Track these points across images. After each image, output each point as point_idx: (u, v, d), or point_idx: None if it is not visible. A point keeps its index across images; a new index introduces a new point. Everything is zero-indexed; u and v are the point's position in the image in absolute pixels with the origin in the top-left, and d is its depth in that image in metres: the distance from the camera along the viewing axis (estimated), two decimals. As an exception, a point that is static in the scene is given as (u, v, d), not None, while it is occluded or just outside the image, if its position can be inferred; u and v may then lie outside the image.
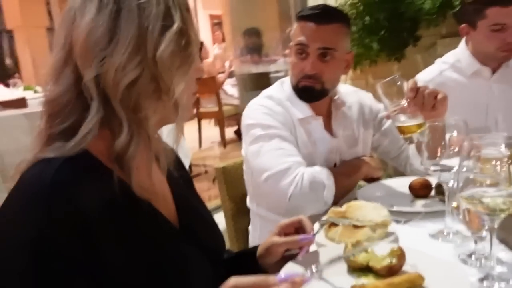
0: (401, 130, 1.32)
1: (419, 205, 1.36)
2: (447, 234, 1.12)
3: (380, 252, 0.97)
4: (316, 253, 1.02)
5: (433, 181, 1.43)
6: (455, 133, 1.10)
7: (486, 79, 1.86)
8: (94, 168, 0.77)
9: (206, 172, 4.90)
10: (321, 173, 1.44)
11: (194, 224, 0.92)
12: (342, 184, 1.44)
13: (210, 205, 3.54)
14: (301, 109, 1.53)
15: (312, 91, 1.51)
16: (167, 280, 0.79)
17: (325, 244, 1.10)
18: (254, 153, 1.46)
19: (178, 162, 1.03)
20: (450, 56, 1.95)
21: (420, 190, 1.40)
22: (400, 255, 0.91)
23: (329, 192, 1.41)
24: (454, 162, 1.12)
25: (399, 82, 1.29)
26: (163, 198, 0.90)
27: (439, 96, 1.29)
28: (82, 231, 0.70)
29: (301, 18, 1.51)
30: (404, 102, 1.29)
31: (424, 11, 3.00)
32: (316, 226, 1.11)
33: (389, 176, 3.28)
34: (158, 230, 0.83)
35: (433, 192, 1.39)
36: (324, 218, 1.18)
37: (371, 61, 3.29)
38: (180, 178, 0.99)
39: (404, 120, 1.31)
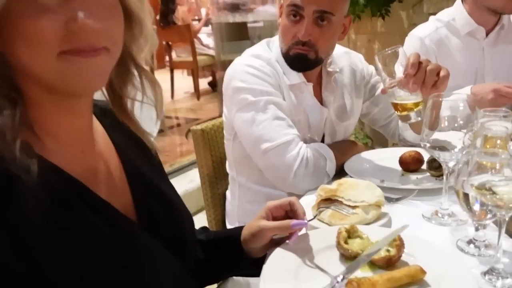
0: (397, 107, 1.22)
1: (411, 180, 1.29)
2: (442, 216, 1.05)
3: (374, 237, 0.90)
4: (306, 237, 0.94)
5: (425, 154, 1.37)
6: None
7: (480, 41, 1.82)
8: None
9: (178, 125, 4.76)
10: (321, 147, 1.36)
11: (155, 211, 0.78)
12: (338, 159, 1.36)
13: (182, 161, 3.44)
14: (292, 75, 1.40)
15: (305, 60, 1.37)
16: (124, 280, 0.67)
17: (315, 225, 1.02)
18: (247, 121, 1.34)
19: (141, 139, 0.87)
20: (444, 15, 1.88)
21: (411, 164, 1.33)
22: (399, 245, 0.84)
23: (331, 164, 1.34)
24: (450, 135, 1.06)
25: (401, 54, 1.18)
26: (113, 185, 0.75)
27: (442, 74, 1.19)
28: (14, 243, 0.57)
29: None
30: (401, 76, 1.19)
31: (412, -34, 2.86)
32: (309, 212, 1.02)
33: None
34: (109, 226, 0.68)
35: (424, 166, 1.32)
36: (315, 194, 1.10)
37: (355, 16, 3.16)
38: (142, 156, 0.84)
39: (401, 97, 1.21)
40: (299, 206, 0.92)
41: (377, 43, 3.52)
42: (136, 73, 0.74)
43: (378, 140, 3.38)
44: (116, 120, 0.78)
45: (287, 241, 0.89)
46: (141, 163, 0.82)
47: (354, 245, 0.88)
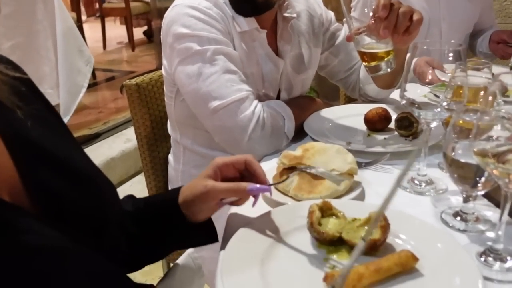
0: (365, 56, 1.06)
1: (379, 141, 1.15)
2: (419, 183, 0.93)
3: (350, 213, 0.76)
4: (268, 216, 0.78)
5: (391, 111, 1.24)
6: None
7: None
8: None
9: (112, 78, 4.37)
10: (278, 105, 1.18)
11: (54, 188, 0.59)
12: (297, 118, 1.19)
13: (118, 118, 3.16)
14: (243, 20, 1.18)
15: (253, 1, 1.15)
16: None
17: (277, 199, 0.86)
18: (192, 75, 1.12)
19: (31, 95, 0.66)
20: None
21: (378, 123, 1.19)
22: (384, 226, 0.69)
23: (290, 124, 1.17)
24: (419, 88, 0.93)
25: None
26: None
27: (415, 17, 1.03)
28: None
29: None
30: (370, 20, 1.02)
31: None
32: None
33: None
34: None
35: (392, 125, 1.19)
36: (276, 161, 0.94)
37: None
38: (35, 117, 0.62)
39: (369, 45, 1.05)
40: (256, 165, 0.75)
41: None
42: None
43: (325, 94, 3.26)
44: None
45: (251, 206, 0.74)
46: (32, 128, 0.60)
47: (329, 225, 0.73)
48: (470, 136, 0.66)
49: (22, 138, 0.59)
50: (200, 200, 0.75)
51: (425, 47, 0.87)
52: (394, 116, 1.19)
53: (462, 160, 0.73)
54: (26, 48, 2.42)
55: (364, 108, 1.24)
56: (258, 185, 0.72)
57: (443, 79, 1.41)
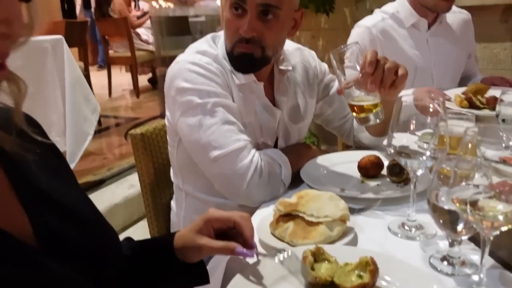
0: (354, 108, 1.13)
1: (372, 187, 1.20)
2: (409, 228, 0.97)
3: (342, 258, 0.80)
4: (264, 262, 0.82)
5: (383, 158, 1.29)
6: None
7: (423, 32, 1.93)
8: None
9: (117, 125, 4.48)
10: (275, 153, 1.24)
11: (58, 231, 0.65)
12: (294, 165, 1.24)
13: (122, 164, 3.22)
14: (241, 73, 1.26)
15: (250, 60, 1.22)
16: None
17: (274, 245, 0.90)
18: (193, 126, 1.19)
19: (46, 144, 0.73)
20: (389, 7, 1.97)
21: (371, 170, 1.24)
22: (372, 270, 0.74)
23: (287, 171, 1.22)
24: (413, 138, 0.99)
25: (357, 52, 1.09)
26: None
27: (400, 72, 1.11)
28: None
29: None
30: (358, 75, 1.10)
31: (357, -38, 2.84)
32: (267, 230, 0.90)
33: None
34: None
35: (384, 171, 1.25)
36: (273, 209, 0.98)
37: (299, 12, 3.09)
38: (44, 166, 0.70)
39: (358, 97, 1.12)
40: (246, 228, 0.80)
41: (321, 40, 3.49)
42: None
43: (325, 138, 3.34)
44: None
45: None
46: (40, 175, 0.67)
47: (322, 270, 0.77)
48: (451, 182, 0.71)
49: (31, 186, 0.66)
50: (191, 251, 0.83)
51: (406, 102, 0.93)
52: (386, 163, 1.24)
53: (445, 207, 0.78)
54: (36, 97, 2.52)
55: (358, 155, 1.30)
56: (244, 250, 0.78)
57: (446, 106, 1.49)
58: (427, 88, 1.69)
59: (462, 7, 2.09)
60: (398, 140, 0.96)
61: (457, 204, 0.69)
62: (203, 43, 1.31)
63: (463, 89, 1.78)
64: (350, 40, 1.92)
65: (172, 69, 1.26)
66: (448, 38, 1.95)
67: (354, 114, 1.13)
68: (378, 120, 1.11)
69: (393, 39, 1.88)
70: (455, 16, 1.98)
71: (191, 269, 0.84)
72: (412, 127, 0.94)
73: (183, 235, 0.84)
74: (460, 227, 0.76)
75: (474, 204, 0.69)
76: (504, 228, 0.67)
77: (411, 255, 0.88)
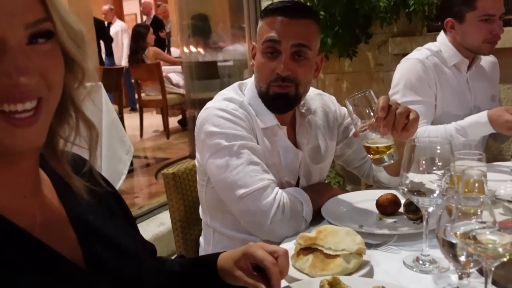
0: (369, 150, 1.22)
1: (389, 224, 1.27)
2: (423, 262, 1.03)
3: (357, 289, 0.87)
4: (286, 290, 0.89)
5: (402, 196, 1.36)
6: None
7: (463, 73, 1.96)
8: None
9: (148, 165, 4.65)
10: (297, 191, 1.33)
11: (103, 258, 0.75)
12: (315, 202, 1.33)
13: (152, 203, 3.34)
14: (265, 117, 1.38)
15: (286, 99, 1.35)
16: None
17: (294, 276, 0.98)
18: (220, 167, 1.30)
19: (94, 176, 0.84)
20: (432, 46, 1.99)
21: (389, 208, 1.31)
22: (385, 299, 0.80)
23: (308, 208, 1.31)
24: (428, 178, 1.05)
25: (370, 98, 1.19)
26: (56, 231, 0.73)
27: (411, 116, 1.19)
28: None
29: (270, 12, 1.34)
30: (372, 119, 1.19)
31: (378, 9, 2.97)
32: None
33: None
34: (51, 271, 0.66)
35: (401, 209, 1.31)
36: (294, 242, 1.06)
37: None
38: (95, 196, 0.80)
39: (373, 140, 1.20)
40: (273, 275, 0.84)
41: (345, 82, 3.60)
42: (73, 114, 0.73)
43: (350, 178, 3.39)
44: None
45: None
46: (89, 209, 0.78)
47: (338, 299, 0.84)
48: (452, 218, 0.79)
49: (82, 218, 0.77)
50: (230, 278, 0.91)
51: (417, 144, 1.01)
52: (403, 201, 1.31)
53: (453, 241, 0.85)
54: (75, 140, 2.69)
55: (376, 194, 1.37)
56: None
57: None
58: (503, 107, 1.74)
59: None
60: (413, 179, 1.03)
61: (459, 238, 0.76)
62: (230, 91, 1.44)
63: None
64: (400, 73, 1.95)
65: (202, 115, 1.38)
66: (483, 79, 2.01)
67: (370, 155, 1.22)
68: (392, 161, 1.19)
69: (442, 73, 1.92)
70: (485, 58, 2.03)
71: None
72: (423, 167, 1.02)
73: (225, 258, 0.92)
74: (462, 259, 0.82)
75: (475, 238, 0.75)
76: (504, 259, 0.73)
77: (424, 288, 0.94)
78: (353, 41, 3.23)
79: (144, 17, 8.90)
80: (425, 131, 1.80)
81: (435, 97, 1.90)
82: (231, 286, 0.92)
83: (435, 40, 2.03)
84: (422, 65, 1.89)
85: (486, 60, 2.05)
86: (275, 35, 1.31)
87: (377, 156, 1.20)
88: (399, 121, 1.16)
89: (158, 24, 7.71)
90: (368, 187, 1.91)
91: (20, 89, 0.59)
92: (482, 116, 1.73)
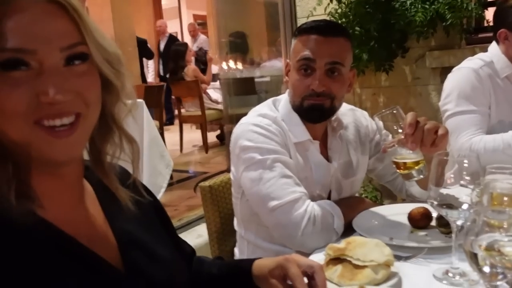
0: (398, 165, 1.23)
1: (420, 237, 1.28)
2: (453, 275, 1.04)
3: (384, 299, 0.89)
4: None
5: (434, 210, 1.36)
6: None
7: None
8: None
9: (187, 178, 4.77)
10: (328, 204, 1.36)
11: (141, 265, 0.81)
12: (346, 216, 1.35)
13: (191, 215, 3.43)
14: (298, 132, 1.43)
15: (321, 110, 1.39)
16: None
17: (323, 286, 1.01)
18: (254, 180, 1.35)
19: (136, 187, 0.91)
20: (484, 56, 1.95)
21: (420, 221, 1.32)
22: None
23: (339, 221, 1.33)
24: (457, 191, 1.06)
25: (398, 115, 1.21)
26: (99, 238, 0.79)
27: (440, 132, 1.20)
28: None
29: (304, 31, 1.40)
30: (401, 135, 1.21)
31: (414, 23, 2.96)
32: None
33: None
34: (95, 274, 0.72)
35: (433, 222, 1.32)
36: (323, 253, 1.10)
37: (359, 71, 3.24)
38: (139, 207, 0.86)
39: (402, 155, 1.22)
40: (321, 278, 0.85)
41: (382, 96, 3.59)
42: (116, 131, 0.79)
43: (387, 193, 3.35)
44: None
45: None
46: (129, 219, 0.84)
47: (364, 307, 0.87)
48: (477, 230, 0.80)
49: (121, 227, 0.83)
50: (262, 283, 0.93)
51: (445, 158, 1.03)
52: (435, 214, 1.31)
53: (477, 253, 0.86)
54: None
55: (408, 208, 1.38)
56: None
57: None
58: None
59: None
60: (442, 192, 1.04)
61: (483, 250, 0.77)
62: (264, 107, 1.50)
63: None
64: (452, 84, 1.92)
65: (237, 130, 1.45)
66: None
67: (398, 171, 1.24)
68: (421, 176, 1.20)
69: (496, 84, 1.88)
70: None
71: None
72: (451, 180, 1.03)
73: (260, 266, 0.94)
74: (485, 269, 0.83)
75: (499, 250, 0.77)
76: (527, 271, 0.74)
77: (452, 300, 0.95)
78: (389, 55, 3.23)
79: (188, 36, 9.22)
80: (480, 141, 1.77)
81: (489, 106, 1.87)
82: None
83: (474, 53, 2.00)
84: (476, 74, 1.86)
85: None
86: (310, 53, 1.36)
87: (405, 172, 1.22)
88: (427, 137, 1.18)
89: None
90: (404, 201, 1.90)
91: (56, 106, 0.65)
92: None
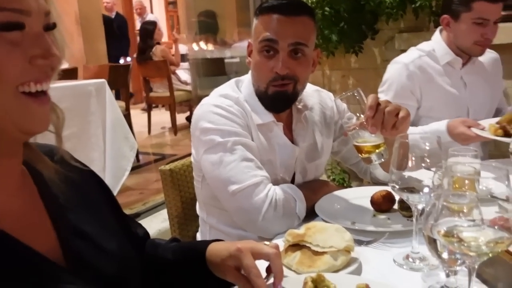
0: (359, 149, 1.20)
1: (382, 221, 1.26)
2: (413, 260, 1.02)
3: (342, 286, 0.86)
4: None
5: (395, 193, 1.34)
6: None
7: (457, 70, 1.96)
8: None
9: (155, 161, 4.68)
10: (291, 188, 1.32)
11: (85, 256, 0.75)
12: (309, 200, 1.32)
13: (157, 199, 3.36)
14: (261, 114, 1.37)
15: (285, 97, 1.34)
16: None
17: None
18: (214, 163, 1.30)
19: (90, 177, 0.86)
20: (425, 45, 2.01)
21: (383, 204, 1.30)
22: (368, 297, 0.80)
23: (302, 205, 1.30)
24: (419, 174, 1.04)
25: (359, 97, 1.18)
26: (37, 229, 0.73)
27: (401, 114, 1.18)
28: None
29: (266, 10, 1.32)
30: (362, 118, 1.18)
31: (385, 5, 2.94)
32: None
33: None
34: (30, 270, 0.67)
35: (396, 206, 1.30)
36: (282, 239, 1.06)
37: (328, 52, 3.21)
38: (76, 196, 0.81)
39: (362, 139, 1.19)
40: (277, 264, 0.83)
41: (352, 79, 3.58)
42: None
43: (355, 175, 3.36)
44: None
45: None
46: (69, 207, 0.79)
47: (322, 296, 0.84)
48: (436, 215, 0.77)
49: (62, 215, 0.77)
50: (218, 272, 0.89)
51: (406, 140, 1.00)
52: (398, 197, 1.30)
53: (437, 238, 0.84)
54: (80, 136, 2.73)
55: (371, 191, 1.36)
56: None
57: (484, 135, 1.56)
58: (461, 119, 1.76)
59: (491, 46, 2.13)
60: (403, 176, 1.01)
61: (442, 235, 0.75)
62: (226, 87, 1.44)
63: (496, 119, 1.79)
64: (387, 76, 1.99)
65: (197, 112, 1.38)
66: (482, 76, 2.00)
67: (359, 154, 1.21)
68: (382, 159, 1.18)
69: (429, 75, 1.93)
70: (486, 55, 2.01)
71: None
72: (412, 163, 1.00)
73: (214, 252, 0.89)
74: (444, 255, 0.81)
75: (458, 235, 0.74)
76: (485, 258, 0.72)
77: (412, 286, 0.94)
78: (359, 37, 3.21)
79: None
80: None
81: (418, 100, 1.94)
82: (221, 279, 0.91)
83: None
84: (406, 69, 1.92)
85: (487, 57, 2.03)
86: (272, 34, 1.30)
87: (366, 156, 1.19)
88: (388, 120, 1.15)
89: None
90: (369, 184, 1.89)
91: (45, 68, 0.66)
92: (442, 124, 1.76)
